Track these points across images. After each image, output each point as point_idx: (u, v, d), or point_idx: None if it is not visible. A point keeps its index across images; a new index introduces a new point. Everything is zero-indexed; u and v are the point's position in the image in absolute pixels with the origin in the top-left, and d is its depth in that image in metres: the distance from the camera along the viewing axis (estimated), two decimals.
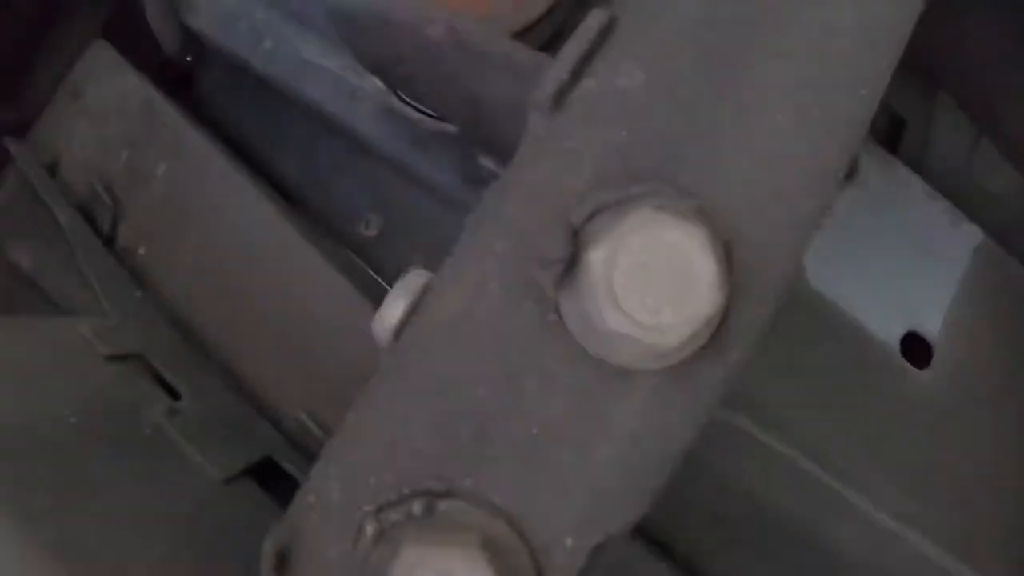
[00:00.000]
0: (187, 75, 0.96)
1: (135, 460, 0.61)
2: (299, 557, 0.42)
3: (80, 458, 0.57)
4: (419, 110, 0.74)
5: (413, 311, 0.44)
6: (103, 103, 0.87)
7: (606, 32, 0.45)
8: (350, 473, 0.43)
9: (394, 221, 0.84)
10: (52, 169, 0.87)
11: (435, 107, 0.70)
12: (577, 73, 0.44)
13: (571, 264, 0.41)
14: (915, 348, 0.76)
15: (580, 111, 0.44)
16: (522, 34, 0.65)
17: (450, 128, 0.73)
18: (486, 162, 0.77)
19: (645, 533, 0.67)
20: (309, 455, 0.74)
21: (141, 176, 0.83)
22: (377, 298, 0.79)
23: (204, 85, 0.95)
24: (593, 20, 0.45)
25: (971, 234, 0.82)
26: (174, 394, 0.70)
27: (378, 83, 0.78)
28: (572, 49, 0.44)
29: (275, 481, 0.68)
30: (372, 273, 0.83)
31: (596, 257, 0.40)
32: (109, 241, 0.84)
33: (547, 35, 0.66)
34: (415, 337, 0.44)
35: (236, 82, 0.91)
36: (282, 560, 0.42)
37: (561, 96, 0.44)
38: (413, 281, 0.45)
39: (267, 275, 0.79)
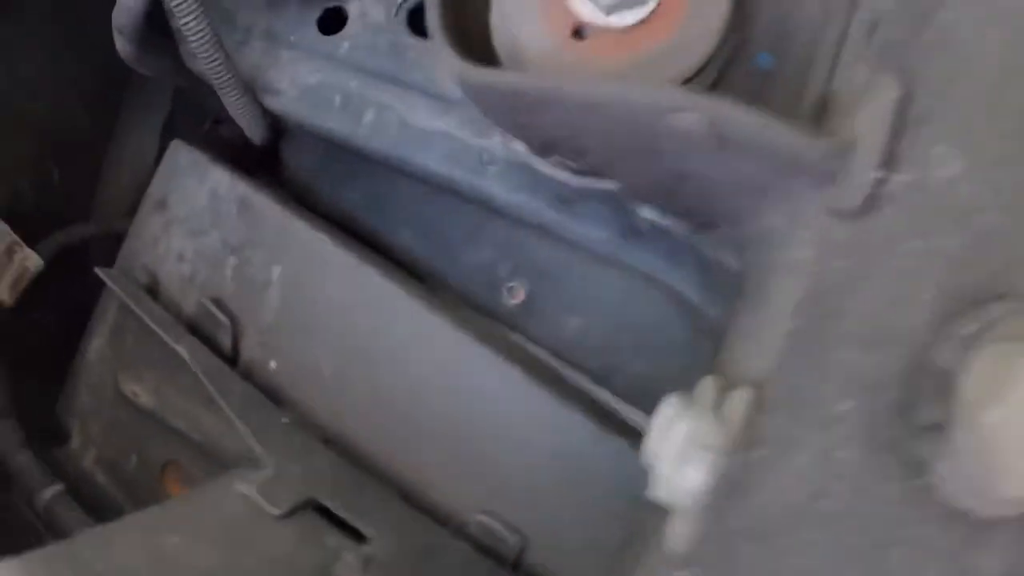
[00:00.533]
0: (266, 156, 0.88)
1: None
2: None
3: None
4: (571, 169, 0.66)
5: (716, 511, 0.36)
6: (194, 210, 0.79)
7: (904, 108, 0.36)
8: None
9: (541, 285, 0.76)
10: (152, 291, 0.79)
11: (603, 171, 0.61)
12: (887, 165, 0.35)
13: (947, 421, 0.33)
14: None
15: (898, 214, 0.35)
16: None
17: (608, 186, 0.64)
18: (648, 214, 0.68)
19: None
20: (499, 558, 0.68)
21: (255, 284, 0.75)
22: (536, 369, 0.73)
23: (292, 167, 0.86)
24: (886, 94, 0.36)
25: None
26: (358, 535, 0.63)
27: (506, 142, 0.69)
28: (875, 136, 0.35)
29: None
30: (532, 345, 0.75)
31: (990, 419, 0.31)
32: (232, 362, 0.76)
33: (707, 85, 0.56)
34: (738, 535, 0.35)
35: (330, 159, 0.83)
36: None
37: (873, 197, 0.35)
38: (693, 468, 0.36)
39: (420, 370, 0.72)
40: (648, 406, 0.75)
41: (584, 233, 0.70)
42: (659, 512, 0.44)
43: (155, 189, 0.81)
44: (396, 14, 0.75)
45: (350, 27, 0.76)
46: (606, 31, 0.54)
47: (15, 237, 0.89)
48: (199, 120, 0.97)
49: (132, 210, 0.98)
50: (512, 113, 0.55)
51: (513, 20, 0.56)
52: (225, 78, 0.72)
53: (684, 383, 0.73)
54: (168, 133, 1.03)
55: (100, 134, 1.05)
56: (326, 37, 0.77)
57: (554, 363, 0.77)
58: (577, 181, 0.66)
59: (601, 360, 0.76)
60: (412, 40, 0.74)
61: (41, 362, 0.93)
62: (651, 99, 0.43)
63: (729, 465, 0.37)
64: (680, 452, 0.39)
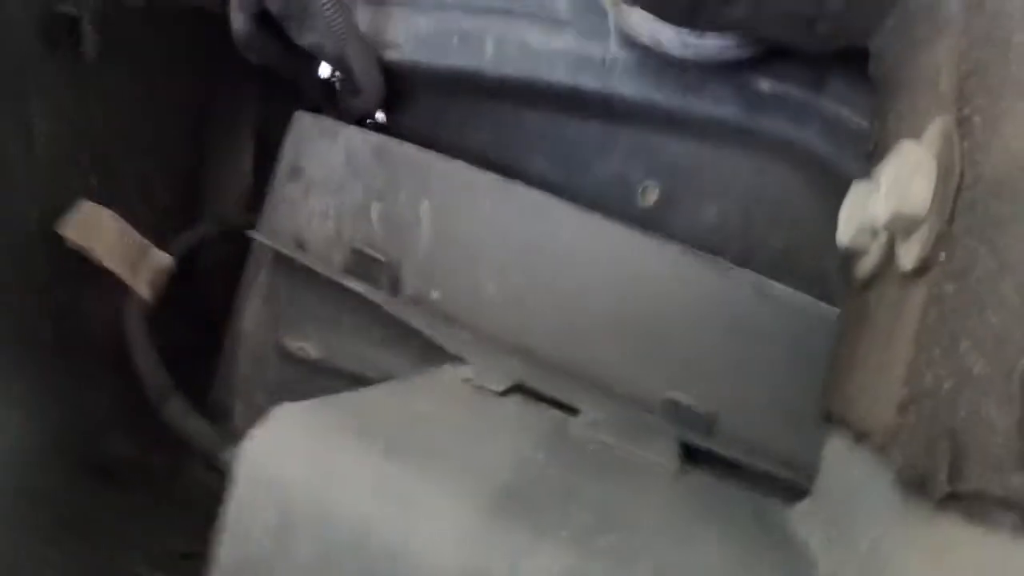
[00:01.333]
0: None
1: (618, 474, 0.56)
2: None
3: (582, 482, 0.52)
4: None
5: None
6: (330, 169, 0.82)
7: None
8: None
9: (674, 181, 0.80)
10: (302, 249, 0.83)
11: (745, 19, 0.65)
12: None
13: None
14: None
15: None
16: None
17: (733, 54, 0.69)
18: (766, 84, 0.73)
19: None
20: (694, 428, 0.71)
21: (404, 223, 0.79)
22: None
23: (409, 126, 0.90)
24: None
25: None
26: (571, 409, 0.66)
27: (627, 45, 0.74)
28: None
29: None
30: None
31: None
32: (395, 295, 0.79)
33: None
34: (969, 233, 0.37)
35: (448, 111, 0.87)
36: None
37: None
38: None
39: (582, 269, 0.75)
40: (788, 281, 0.79)
41: (711, 112, 0.74)
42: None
43: (286, 159, 0.84)
44: None
45: None
46: None
47: (145, 240, 0.92)
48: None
49: (240, 209, 1.03)
50: None
51: None
52: (351, 33, 0.77)
53: (821, 250, 0.77)
54: (259, 137, 1.08)
55: (197, 149, 1.09)
56: None
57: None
58: (705, 52, 0.70)
59: (741, 243, 0.79)
60: None
61: (183, 360, 0.97)
62: None
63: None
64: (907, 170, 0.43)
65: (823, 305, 0.71)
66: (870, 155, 0.59)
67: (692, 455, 0.64)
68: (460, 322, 0.77)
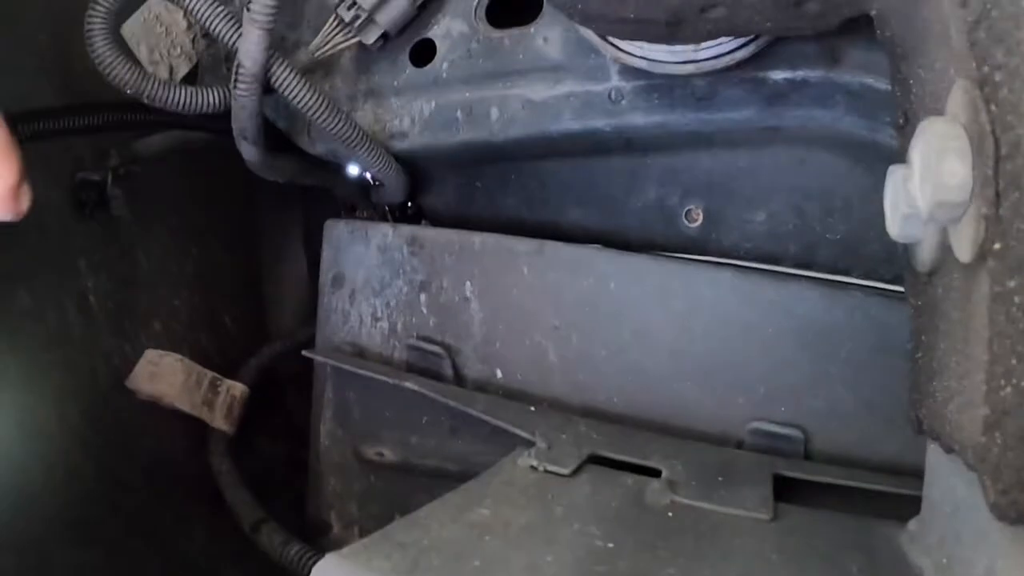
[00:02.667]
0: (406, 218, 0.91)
1: (703, 539, 0.52)
2: None
3: (660, 563, 0.48)
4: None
5: None
6: (370, 270, 0.80)
7: None
8: None
9: (715, 196, 0.76)
10: (361, 356, 0.81)
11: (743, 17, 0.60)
12: None
13: None
14: None
15: None
16: None
17: (739, 56, 0.64)
18: (779, 75, 0.68)
19: None
20: (788, 455, 0.67)
21: (454, 307, 0.76)
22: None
23: (439, 208, 0.88)
24: None
25: None
26: (650, 471, 0.62)
27: (628, 75, 0.70)
28: None
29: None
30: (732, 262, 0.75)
31: None
32: (460, 382, 0.76)
33: None
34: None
35: (471, 186, 0.85)
36: None
37: None
38: None
39: (639, 314, 0.72)
40: (857, 269, 0.74)
41: (730, 119, 0.70)
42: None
43: (326, 269, 0.83)
44: (476, 16, 0.77)
45: (440, 50, 0.78)
46: None
47: (213, 373, 0.92)
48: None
49: (306, 319, 1.01)
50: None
51: None
52: (357, 137, 0.75)
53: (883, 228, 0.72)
54: (308, 245, 1.07)
55: (251, 267, 1.08)
56: (424, 69, 0.79)
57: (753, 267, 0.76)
58: (706, 63, 0.66)
59: (799, 242, 0.75)
60: (500, 33, 0.76)
61: (275, 477, 0.96)
62: None
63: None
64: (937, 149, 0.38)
65: (895, 291, 0.66)
66: (899, 129, 0.54)
67: (789, 483, 0.60)
68: (527, 395, 0.73)
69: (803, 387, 0.68)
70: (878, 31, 0.56)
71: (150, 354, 0.90)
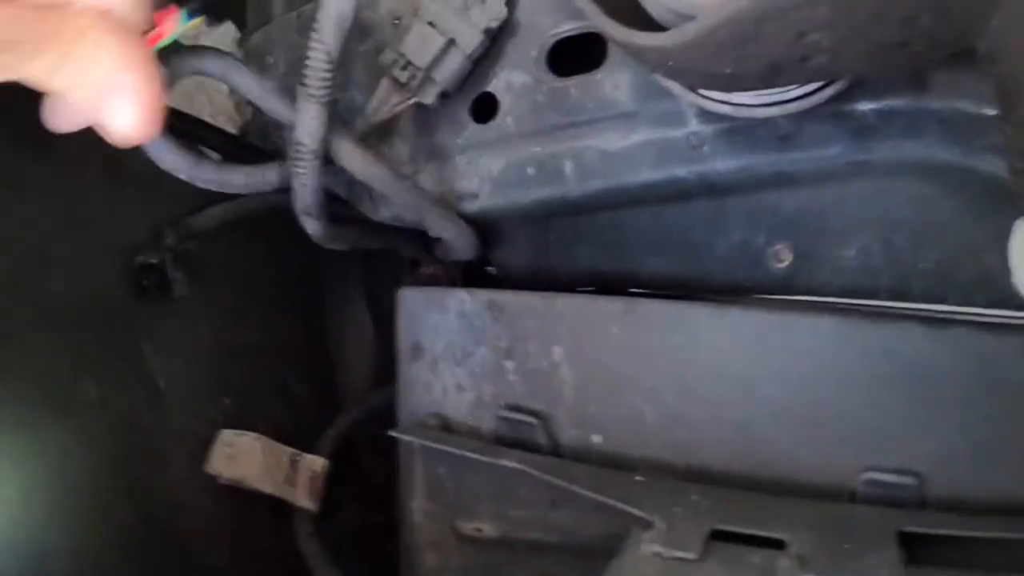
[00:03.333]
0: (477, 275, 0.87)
1: None
2: None
3: None
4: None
5: None
6: (450, 339, 0.76)
7: None
8: None
9: (803, 234, 0.71)
10: (447, 431, 0.77)
11: (827, 68, 0.56)
12: None
13: None
14: None
15: None
16: None
17: (823, 96, 0.60)
18: (867, 108, 0.64)
19: None
20: (904, 504, 0.63)
21: (542, 373, 0.72)
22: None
23: (512, 265, 0.85)
24: None
25: None
26: (774, 543, 0.58)
27: (706, 118, 0.66)
28: None
29: None
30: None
31: None
32: (556, 456, 0.72)
33: None
34: None
35: (543, 238, 0.81)
36: None
37: None
38: None
39: (736, 368, 0.67)
40: (952, 296, 0.70)
41: (817, 157, 0.65)
42: None
43: (403, 339, 0.79)
44: (537, 66, 0.73)
45: (503, 103, 0.74)
46: None
47: (292, 450, 0.89)
48: (395, 278, 0.97)
49: (376, 382, 0.98)
50: (724, 54, 0.51)
51: None
52: (420, 204, 0.71)
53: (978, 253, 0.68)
54: (372, 303, 1.03)
55: (317, 333, 1.05)
56: (488, 125, 0.75)
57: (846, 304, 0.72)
58: (791, 104, 0.62)
59: (892, 275, 0.70)
60: (565, 81, 0.72)
61: (359, 547, 0.93)
62: None
63: None
64: None
65: (998, 322, 0.63)
66: (1016, 173, 0.49)
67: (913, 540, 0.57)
68: (627, 459, 0.69)
69: (913, 431, 0.63)
70: (984, 67, 0.52)
71: (225, 435, 0.87)
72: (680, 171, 0.67)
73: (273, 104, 0.66)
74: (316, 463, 0.88)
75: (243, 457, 0.86)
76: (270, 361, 0.98)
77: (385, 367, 0.90)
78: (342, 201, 0.80)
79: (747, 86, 0.58)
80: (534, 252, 0.82)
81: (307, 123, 0.64)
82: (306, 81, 0.62)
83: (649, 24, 0.55)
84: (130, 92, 0.40)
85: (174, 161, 0.67)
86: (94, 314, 0.82)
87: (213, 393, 0.92)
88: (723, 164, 0.66)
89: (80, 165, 0.80)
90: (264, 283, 0.98)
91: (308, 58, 0.62)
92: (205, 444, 0.89)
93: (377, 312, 1.03)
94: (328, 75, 0.62)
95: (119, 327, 0.85)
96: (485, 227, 0.80)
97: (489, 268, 0.90)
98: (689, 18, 0.53)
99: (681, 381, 0.68)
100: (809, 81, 0.57)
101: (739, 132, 0.66)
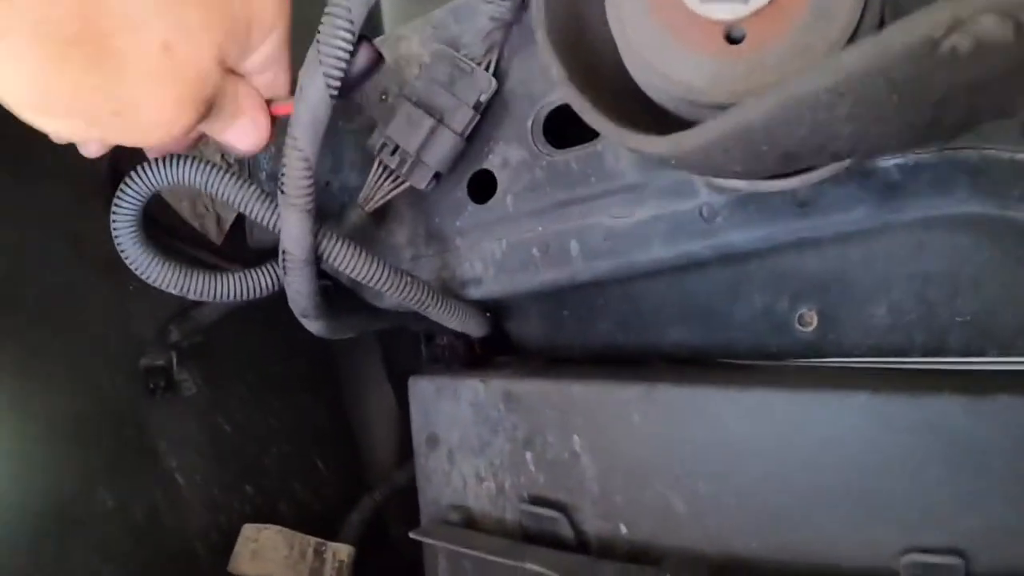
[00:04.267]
0: (493, 340, 0.81)
1: None
2: None
3: None
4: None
5: None
6: (465, 429, 0.70)
7: None
8: None
9: (829, 296, 0.65)
10: (469, 524, 0.71)
11: (846, 150, 0.50)
12: None
13: None
14: None
15: None
16: None
17: (846, 162, 0.53)
18: (894, 167, 0.57)
19: None
20: None
21: (564, 463, 0.66)
22: (872, 382, 0.62)
23: (526, 335, 0.79)
24: None
25: None
26: None
27: (718, 188, 0.59)
28: None
29: None
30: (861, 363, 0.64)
31: None
32: (584, 548, 0.66)
33: None
34: None
35: (559, 308, 0.75)
36: None
37: None
38: None
39: (767, 450, 0.60)
40: (991, 347, 0.63)
41: (841, 221, 0.58)
42: None
43: (418, 430, 0.73)
44: (533, 139, 0.66)
45: (501, 181, 0.68)
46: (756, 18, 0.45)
47: (316, 539, 0.83)
48: (415, 348, 0.91)
49: (400, 458, 0.92)
50: (731, 154, 0.44)
51: (654, 61, 0.47)
52: (421, 298, 0.65)
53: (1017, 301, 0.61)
54: (392, 375, 0.98)
55: (337, 412, 1.00)
56: (487, 205, 0.69)
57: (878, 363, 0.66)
58: (811, 178, 0.55)
59: (926, 330, 0.63)
60: (563, 154, 0.66)
61: None
62: (925, 29, 0.32)
63: None
64: None
65: None
66: None
67: None
68: (657, 548, 0.63)
69: (956, 508, 0.56)
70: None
71: (247, 530, 0.82)
72: (694, 247, 0.61)
73: (257, 210, 0.60)
74: (342, 551, 0.83)
75: (267, 552, 0.80)
76: (291, 444, 0.92)
77: (411, 438, 0.85)
78: (344, 288, 0.73)
79: (759, 176, 0.51)
80: (547, 327, 0.76)
81: (291, 232, 0.58)
82: (285, 189, 0.56)
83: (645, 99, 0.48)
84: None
85: (162, 275, 0.61)
86: (103, 421, 0.78)
87: (234, 482, 0.87)
88: (739, 236, 0.60)
89: (78, 267, 0.75)
90: (279, 366, 0.93)
91: (284, 165, 0.56)
92: (229, 537, 0.83)
93: (398, 383, 0.97)
94: (307, 181, 0.56)
95: (131, 431, 0.80)
96: (495, 303, 0.74)
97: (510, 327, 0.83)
98: (687, 103, 0.47)
99: (708, 467, 0.61)
100: (828, 164, 0.50)
101: (754, 201, 0.59)
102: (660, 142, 0.41)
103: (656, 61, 0.47)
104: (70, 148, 0.59)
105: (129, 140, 0.52)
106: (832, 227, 0.59)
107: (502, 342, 0.83)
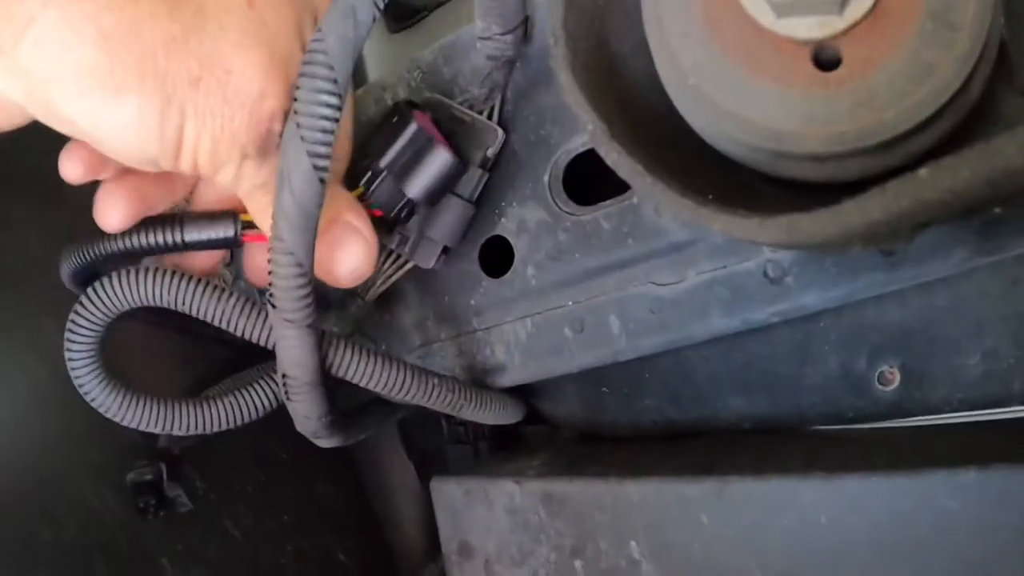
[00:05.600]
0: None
1: None
2: None
3: None
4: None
5: None
6: (502, 538, 0.57)
7: None
8: None
9: (913, 349, 0.51)
10: None
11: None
12: None
13: None
14: None
15: None
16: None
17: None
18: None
19: None
20: None
21: (620, 572, 0.52)
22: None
23: (564, 416, 0.65)
24: None
25: None
26: None
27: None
28: None
29: None
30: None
31: None
32: None
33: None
34: None
35: (598, 385, 0.61)
36: None
37: None
38: None
39: (855, 541, 0.47)
40: None
41: (935, 270, 0.45)
42: None
43: (447, 538, 0.59)
44: (552, 195, 0.53)
45: (519, 249, 0.54)
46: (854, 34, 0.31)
47: None
48: (434, 422, 0.78)
49: (429, 541, 0.79)
50: (869, 238, 0.30)
51: (721, 100, 0.33)
52: (453, 400, 0.51)
53: None
54: (409, 447, 0.84)
55: (354, 490, 0.86)
56: (504, 279, 0.55)
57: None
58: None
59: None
60: (591, 211, 0.52)
61: None
62: None
63: None
64: None
65: None
66: None
67: None
68: None
69: None
70: None
71: None
72: (759, 314, 0.47)
73: (245, 326, 0.46)
74: None
75: None
76: (310, 539, 0.79)
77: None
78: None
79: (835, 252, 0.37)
80: (587, 407, 0.62)
81: (291, 354, 0.44)
82: (276, 303, 0.42)
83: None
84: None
85: (136, 415, 0.48)
86: (95, 543, 0.65)
87: None
88: (814, 298, 0.46)
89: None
90: (288, 454, 0.79)
91: (272, 272, 0.41)
92: None
93: (420, 461, 0.83)
94: (303, 291, 0.42)
95: (129, 551, 0.67)
96: (528, 391, 0.60)
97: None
98: (770, 154, 0.33)
99: (797, 568, 0.47)
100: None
101: (830, 257, 0.45)
102: (767, 228, 0.27)
103: (723, 100, 0.33)
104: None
105: (207, 129, 0.39)
106: (925, 277, 0.45)
107: (535, 418, 0.69)
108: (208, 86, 0.38)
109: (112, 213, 0.45)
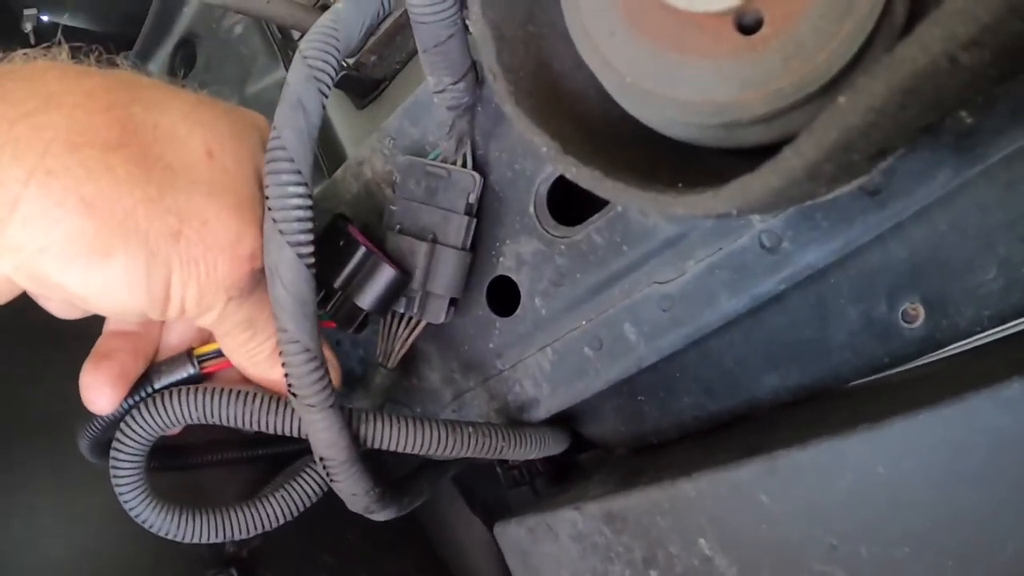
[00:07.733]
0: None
1: None
2: None
3: None
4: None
5: None
6: (574, 566, 0.57)
7: None
8: None
9: (932, 279, 0.50)
10: None
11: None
12: None
13: None
14: None
15: None
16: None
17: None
18: (966, 115, 0.43)
19: None
20: None
21: (696, 572, 0.52)
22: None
23: (607, 431, 0.64)
24: None
25: None
26: None
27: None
28: None
29: None
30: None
31: None
32: None
33: None
34: None
35: (633, 397, 0.60)
36: None
37: None
38: None
39: (936, 480, 0.45)
40: None
41: (924, 196, 0.44)
42: None
43: None
44: (541, 223, 0.53)
45: (523, 284, 0.54)
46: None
47: None
48: (490, 470, 0.77)
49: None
50: (819, 178, 0.30)
51: (657, 88, 0.33)
52: (494, 446, 0.51)
53: None
54: (476, 506, 0.83)
55: (427, 555, 0.85)
56: (516, 316, 0.55)
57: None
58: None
59: None
60: (582, 230, 0.52)
61: None
62: None
63: None
64: None
65: None
66: None
67: None
68: None
69: None
70: None
71: None
72: (766, 285, 0.47)
73: (274, 422, 0.47)
74: None
75: None
76: None
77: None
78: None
79: (839, 187, 0.37)
80: (626, 420, 0.61)
81: (321, 437, 0.45)
82: (296, 392, 0.43)
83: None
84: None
85: (189, 530, 0.48)
86: None
87: None
88: (814, 255, 0.46)
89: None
90: (355, 535, 0.79)
91: (284, 364, 0.42)
92: None
93: (484, 513, 0.83)
94: (318, 374, 0.42)
95: None
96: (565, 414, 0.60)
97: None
98: (718, 128, 0.33)
99: (867, 527, 0.47)
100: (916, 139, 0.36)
101: (818, 209, 0.45)
102: (722, 198, 0.27)
103: (661, 89, 0.33)
104: None
105: (192, 278, 0.41)
106: (915, 206, 0.45)
107: (578, 439, 0.68)
108: (188, 237, 0.39)
109: (102, 401, 0.46)
